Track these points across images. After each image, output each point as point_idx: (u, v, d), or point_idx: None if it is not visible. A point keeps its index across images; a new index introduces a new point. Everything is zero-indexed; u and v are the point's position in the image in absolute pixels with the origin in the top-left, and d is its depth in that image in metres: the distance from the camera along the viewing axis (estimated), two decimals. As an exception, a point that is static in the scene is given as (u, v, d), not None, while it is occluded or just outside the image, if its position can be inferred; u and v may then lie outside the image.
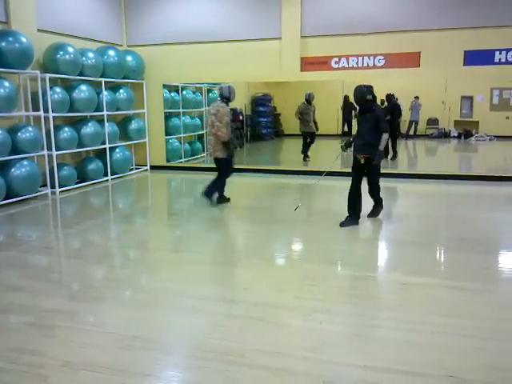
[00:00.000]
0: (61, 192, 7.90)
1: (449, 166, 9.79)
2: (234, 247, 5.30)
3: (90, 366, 2.71)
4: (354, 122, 11.68)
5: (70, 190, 8.14)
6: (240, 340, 2.98)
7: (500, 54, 8.42)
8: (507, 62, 8.39)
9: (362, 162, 5.57)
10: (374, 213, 5.96)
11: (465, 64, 8.56)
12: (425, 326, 3.12)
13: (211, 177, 7.00)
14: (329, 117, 11.50)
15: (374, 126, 5.45)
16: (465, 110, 12.36)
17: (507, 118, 11.23)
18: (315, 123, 10.57)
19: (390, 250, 5.05)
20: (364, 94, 5.44)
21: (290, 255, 4.94)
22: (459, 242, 5.03)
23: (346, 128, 12.19)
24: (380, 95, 13.97)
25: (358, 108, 5.72)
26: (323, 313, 3.33)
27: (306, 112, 10.43)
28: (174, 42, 9.99)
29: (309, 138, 10.64)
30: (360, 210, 5.75)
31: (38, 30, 7.89)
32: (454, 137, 12.58)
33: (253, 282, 3.98)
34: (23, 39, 7.16)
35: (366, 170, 5.65)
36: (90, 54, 8.58)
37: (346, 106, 11.22)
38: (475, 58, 8.47)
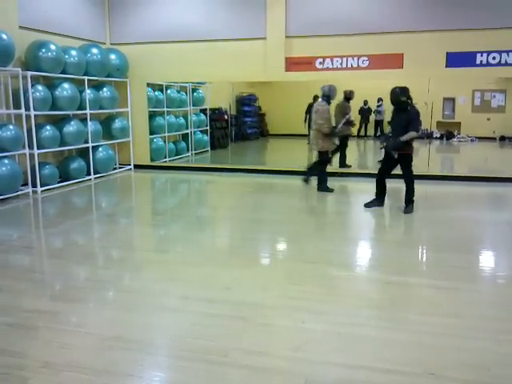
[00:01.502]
0: (42, 191, 7.80)
1: (432, 166, 9.90)
2: (218, 247, 5.29)
3: (71, 366, 2.68)
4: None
5: (52, 189, 8.04)
6: (223, 340, 2.98)
7: (481, 56, 8.54)
8: (488, 64, 8.52)
9: (396, 156, 6.08)
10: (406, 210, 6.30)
11: (447, 66, 8.67)
12: (407, 325, 3.17)
13: (195, 176, 6.98)
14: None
15: (406, 124, 5.97)
16: (447, 111, 12.53)
17: (488, 119, 11.43)
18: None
19: (374, 249, 5.09)
20: (398, 95, 6.00)
21: (275, 254, 4.96)
22: (441, 242, 5.10)
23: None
24: (369, 96, 14.20)
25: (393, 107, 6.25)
26: (306, 312, 3.35)
27: (346, 112, 8.94)
28: (158, 40, 9.93)
29: (345, 140, 9.43)
30: (384, 194, 6.50)
31: (20, 27, 7.77)
32: (436, 138, 12.75)
33: (236, 281, 3.98)
34: (4, 36, 7.04)
35: (401, 166, 6.21)
36: (73, 52, 8.49)
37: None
38: (457, 59, 8.59)
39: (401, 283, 3.93)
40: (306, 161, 8.89)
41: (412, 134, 5.93)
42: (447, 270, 4.24)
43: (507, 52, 8.39)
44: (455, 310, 3.42)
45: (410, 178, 6.28)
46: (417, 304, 3.53)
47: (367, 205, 6.50)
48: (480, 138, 12.27)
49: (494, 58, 8.48)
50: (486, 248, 5.02)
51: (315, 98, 11.57)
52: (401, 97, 5.97)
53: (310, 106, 11.83)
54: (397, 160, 6.17)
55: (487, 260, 4.70)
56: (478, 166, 10.77)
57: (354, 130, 14.81)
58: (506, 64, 8.42)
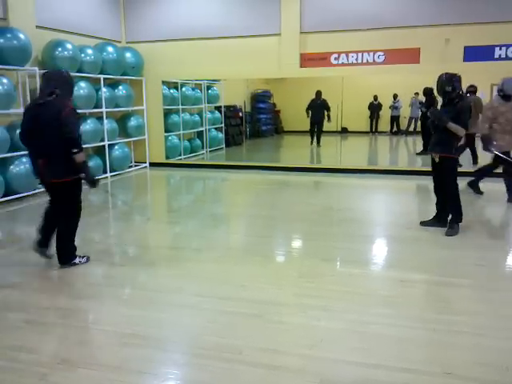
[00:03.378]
0: (60, 189, 7.87)
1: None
2: (233, 244, 5.29)
3: (87, 363, 2.71)
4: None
5: (69, 187, 8.11)
6: (237, 337, 2.97)
7: (500, 49, 8.38)
8: (507, 58, 8.36)
9: (437, 160, 5.04)
10: (450, 228, 5.10)
11: (465, 60, 8.53)
12: (422, 323, 3.12)
13: (210, 174, 6.98)
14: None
15: (453, 121, 4.82)
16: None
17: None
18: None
19: (387, 246, 5.04)
20: (443, 84, 4.82)
21: (289, 252, 4.94)
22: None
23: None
24: (381, 91, 14.09)
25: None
26: (321, 310, 3.33)
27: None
28: (172, 38, 9.95)
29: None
30: (442, 211, 5.26)
31: (37, 27, 7.85)
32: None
33: (251, 279, 3.97)
34: (21, 36, 7.13)
35: (442, 173, 5.09)
36: (89, 51, 8.56)
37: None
38: (475, 53, 8.43)
39: (416, 281, 3.87)
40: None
41: (459, 128, 4.78)
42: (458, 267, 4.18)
43: (526, 45, 8.22)
44: (471, 307, 3.37)
45: (451, 185, 5.04)
46: (433, 302, 3.47)
47: (424, 223, 5.38)
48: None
49: (513, 52, 8.32)
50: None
51: (318, 93, 11.59)
52: (446, 86, 4.78)
53: (313, 102, 11.88)
54: (438, 164, 5.09)
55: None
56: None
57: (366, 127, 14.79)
58: (526, 57, 8.26)
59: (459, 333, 3.00)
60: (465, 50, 8.50)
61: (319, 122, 12.07)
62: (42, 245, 4.31)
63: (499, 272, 4.20)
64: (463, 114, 4.84)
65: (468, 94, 9.21)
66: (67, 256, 4.25)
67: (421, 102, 11.51)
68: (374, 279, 4.04)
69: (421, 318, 3.21)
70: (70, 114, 3.97)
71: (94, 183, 4.20)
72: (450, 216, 5.15)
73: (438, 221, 5.30)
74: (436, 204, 5.35)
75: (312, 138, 12.30)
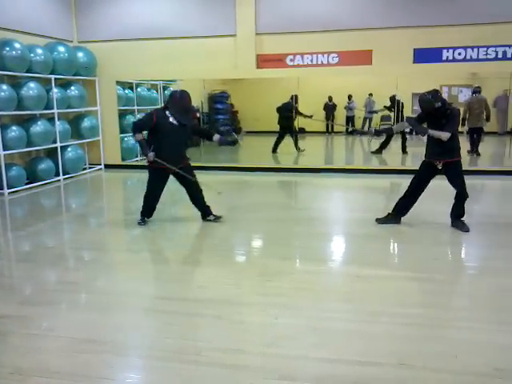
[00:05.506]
0: (9, 193, 7.58)
1: (405, 160, 10.11)
2: (191, 246, 5.26)
3: (41, 371, 2.63)
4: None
5: (19, 190, 7.83)
6: (196, 338, 2.97)
7: (447, 51, 8.74)
8: (454, 60, 8.72)
9: (440, 167, 5.09)
10: (462, 227, 5.22)
11: (414, 61, 8.83)
12: (379, 317, 3.21)
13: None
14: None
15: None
16: (416, 106, 12.75)
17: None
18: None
19: (345, 243, 5.15)
20: (431, 102, 4.92)
21: (249, 252, 4.96)
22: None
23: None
24: (336, 92, 14.35)
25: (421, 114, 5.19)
26: (280, 308, 3.37)
27: None
28: (127, 38, 9.76)
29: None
30: (405, 214, 5.42)
31: (-18, 25, 7.55)
32: (406, 133, 12.94)
33: (210, 279, 3.97)
34: (-35, 34, 6.83)
35: (447, 176, 5.17)
36: (39, 51, 8.27)
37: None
38: (424, 55, 8.75)
39: (372, 276, 3.98)
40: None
41: (443, 133, 4.93)
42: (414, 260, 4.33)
43: (472, 48, 8.60)
44: (425, 300, 3.50)
45: (464, 191, 5.13)
46: (389, 296, 3.58)
47: (380, 220, 5.51)
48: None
49: (459, 54, 8.68)
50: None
51: (295, 97, 11.41)
52: (435, 103, 4.90)
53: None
54: (436, 171, 5.16)
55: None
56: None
57: (322, 127, 14.94)
58: (471, 60, 8.63)
59: (414, 325, 3.11)
60: (414, 52, 8.80)
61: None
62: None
63: (452, 266, 4.39)
64: (453, 121, 5.01)
65: (475, 94, 10.50)
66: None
67: (386, 107, 11.81)
68: (331, 276, 4.12)
69: (377, 311, 3.30)
70: None
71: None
72: (455, 214, 5.25)
73: (393, 218, 5.44)
74: (397, 203, 5.43)
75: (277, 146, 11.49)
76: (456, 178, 5.12)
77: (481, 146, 10.88)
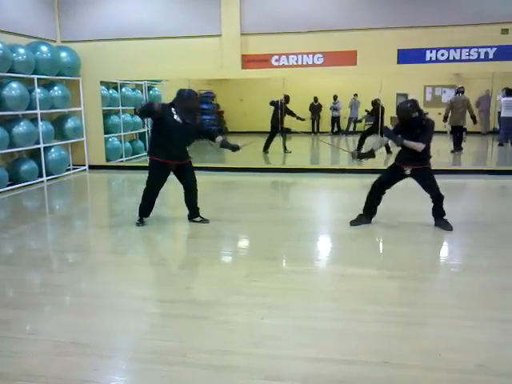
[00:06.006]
0: (-8, 195, 7.48)
1: (388, 160, 10.16)
2: (177, 246, 5.24)
3: (24, 375, 2.59)
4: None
5: (1, 192, 7.71)
6: (181, 340, 2.95)
7: (431, 52, 8.83)
8: (437, 61, 8.82)
9: (408, 172, 5.18)
10: (446, 226, 5.27)
11: (398, 62, 8.91)
12: (364, 316, 3.23)
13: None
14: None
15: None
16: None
17: (439, 113, 11.79)
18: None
19: (330, 243, 5.17)
20: (409, 111, 4.96)
21: (235, 252, 4.96)
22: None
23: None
24: (321, 93, 14.41)
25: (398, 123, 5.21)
26: (266, 308, 3.37)
27: None
28: (111, 38, 9.67)
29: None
30: (375, 212, 5.49)
31: (-38, 24, 7.42)
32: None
33: (196, 280, 3.96)
34: None
35: (418, 181, 5.26)
36: (21, 50, 8.16)
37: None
38: (408, 56, 8.84)
39: (357, 275, 4.01)
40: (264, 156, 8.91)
41: (417, 144, 4.99)
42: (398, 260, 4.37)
43: (455, 49, 8.71)
44: (409, 299, 3.53)
45: (438, 192, 5.20)
46: (373, 295, 3.61)
47: (353, 222, 5.51)
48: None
49: (442, 55, 8.79)
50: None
51: (285, 97, 11.40)
52: (412, 113, 4.95)
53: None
54: (404, 175, 5.26)
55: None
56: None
57: (308, 127, 14.97)
58: (454, 60, 8.75)
59: (398, 323, 3.13)
60: (398, 53, 8.88)
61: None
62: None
63: (435, 264, 4.44)
64: (428, 132, 5.06)
65: (458, 94, 10.86)
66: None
67: (368, 111, 11.84)
68: (317, 275, 4.14)
69: (362, 310, 3.32)
70: None
71: None
72: (436, 214, 5.30)
73: (364, 218, 5.47)
74: (365, 204, 5.47)
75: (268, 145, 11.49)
76: (425, 180, 5.20)
77: (464, 145, 11.05)
